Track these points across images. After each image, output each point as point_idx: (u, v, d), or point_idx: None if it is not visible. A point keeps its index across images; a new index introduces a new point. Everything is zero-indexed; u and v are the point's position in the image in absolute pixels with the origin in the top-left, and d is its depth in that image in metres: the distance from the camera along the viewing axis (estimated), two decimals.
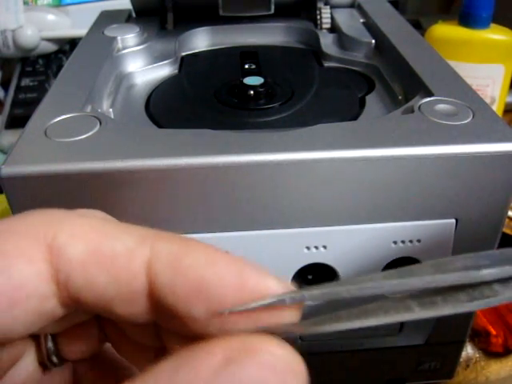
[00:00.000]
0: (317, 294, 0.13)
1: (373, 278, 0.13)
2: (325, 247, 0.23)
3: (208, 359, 0.12)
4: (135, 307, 0.14)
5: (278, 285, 0.13)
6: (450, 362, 0.30)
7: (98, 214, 0.16)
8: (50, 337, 0.17)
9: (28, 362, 0.17)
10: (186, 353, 0.12)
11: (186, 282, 0.13)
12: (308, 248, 0.23)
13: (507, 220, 0.39)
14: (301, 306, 0.14)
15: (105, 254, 0.13)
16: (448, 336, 0.28)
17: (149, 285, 0.13)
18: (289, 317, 0.13)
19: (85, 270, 0.13)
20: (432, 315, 0.13)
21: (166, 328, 0.14)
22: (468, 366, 0.33)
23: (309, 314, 0.14)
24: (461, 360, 0.31)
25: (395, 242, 0.23)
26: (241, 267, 0.13)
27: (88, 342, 0.18)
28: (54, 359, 0.17)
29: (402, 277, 0.13)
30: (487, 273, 0.13)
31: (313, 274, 0.24)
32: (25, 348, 0.17)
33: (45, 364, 0.17)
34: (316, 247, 0.23)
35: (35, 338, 0.17)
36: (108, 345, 0.18)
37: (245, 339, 0.12)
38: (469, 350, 0.33)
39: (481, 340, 0.33)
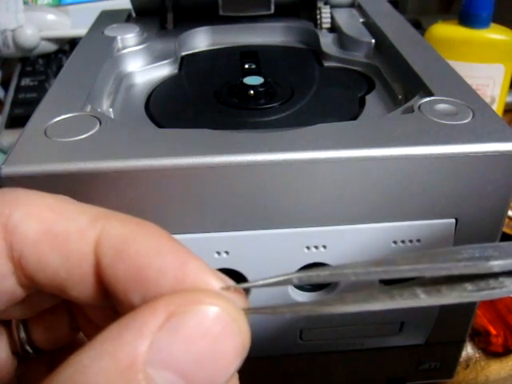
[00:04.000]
0: (324, 275, 0.14)
1: (380, 263, 0.13)
2: (325, 247, 0.23)
3: (151, 316, 0.12)
4: (86, 288, 0.14)
5: (217, 282, 0.13)
6: (450, 361, 0.30)
7: (59, 195, 0.16)
8: (21, 326, 0.17)
9: (0, 351, 0.17)
10: (129, 315, 0.12)
11: (127, 268, 0.13)
12: (308, 248, 0.23)
13: (507, 220, 0.39)
14: (243, 294, 0.14)
15: (57, 233, 0.13)
16: (448, 336, 0.28)
17: (96, 266, 0.13)
18: (237, 301, 0.13)
19: (37, 249, 0.13)
20: (437, 302, 0.13)
21: (121, 312, 0.15)
22: (468, 365, 0.33)
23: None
24: (461, 360, 0.31)
25: (395, 242, 0.23)
26: (184, 261, 0.13)
27: (60, 331, 0.18)
28: (28, 349, 0.17)
29: (409, 263, 0.13)
30: (495, 264, 0.13)
31: None
32: None
33: (19, 354, 0.17)
34: (316, 247, 0.23)
35: (6, 327, 0.17)
36: (82, 334, 0.18)
37: (186, 294, 0.12)
38: (469, 350, 0.33)
39: (481, 340, 0.33)
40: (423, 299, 0.13)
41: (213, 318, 0.12)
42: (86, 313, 0.17)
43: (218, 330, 0.12)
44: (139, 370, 0.11)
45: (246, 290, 0.24)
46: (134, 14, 0.38)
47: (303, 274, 0.14)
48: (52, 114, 0.23)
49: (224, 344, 0.12)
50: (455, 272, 0.13)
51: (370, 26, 0.34)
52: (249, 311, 0.13)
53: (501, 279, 0.13)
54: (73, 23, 0.57)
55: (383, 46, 0.32)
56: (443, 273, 0.13)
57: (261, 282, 0.13)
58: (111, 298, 0.14)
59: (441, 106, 0.23)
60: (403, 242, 0.23)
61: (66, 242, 0.13)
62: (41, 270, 0.13)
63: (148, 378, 0.11)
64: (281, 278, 0.13)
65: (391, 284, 0.13)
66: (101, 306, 0.15)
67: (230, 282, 0.14)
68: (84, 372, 0.11)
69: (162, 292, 0.13)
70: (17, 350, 0.17)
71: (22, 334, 0.17)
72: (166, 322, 0.12)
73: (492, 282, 0.13)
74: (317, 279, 0.14)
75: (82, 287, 0.14)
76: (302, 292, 0.25)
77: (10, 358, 0.17)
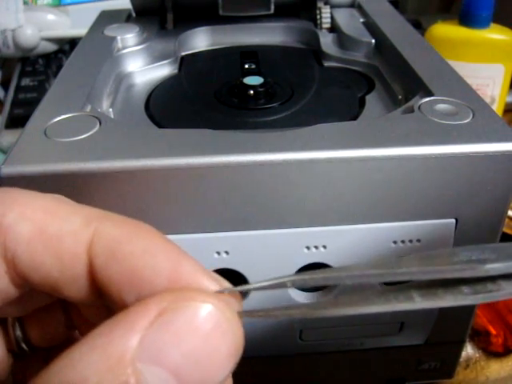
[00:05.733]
0: (318, 278, 0.14)
1: (375, 265, 0.13)
2: (325, 247, 0.23)
3: (143, 313, 0.12)
4: (80, 288, 0.14)
5: (211, 283, 0.13)
6: (450, 361, 0.30)
7: (55, 195, 0.16)
8: (17, 324, 0.17)
9: None
10: (122, 312, 0.12)
11: (121, 268, 0.13)
12: (308, 248, 0.23)
13: (507, 220, 0.39)
14: (240, 298, 0.14)
15: (51, 234, 0.13)
16: (448, 336, 0.28)
17: (89, 266, 0.13)
18: (232, 303, 0.13)
19: (31, 249, 0.13)
20: (432, 306, 0.13)
21: (115, 311, 0.15)
22: (468, 365, 0.33)
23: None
24: (461, 360, 0.31)
25: (395, 242, 0.23)
26: (178, 261, 0.13)
27: (55, 329, 0.18)
28: (24, 347, 0.17)
29: (404, 266, 0.13)
30: (492, 267, 0.13)
31: None
32: None
33: (15, 352, 0.17)
34: (316, 247, 0.23)
35: (2, 325, 0.17)
36: (77, 333, 0.18)
37: (178, 292, 0.12)
38: (469, 350, 0.33)
39: (481, 340, 0.33)
40: (418, 302, 0.13)
41: (204, 315, 0.12)
42: (81, 311, 0.17)
43: (209, 327, 0.12)
44: (128, 365, 0.11)
45: (244, 292, 0.24)
46: (134, 14, 0.38)
47: (297, 278, 0.14)
48: (52, 114, 0.23)
49: (216, 342, 0.12)
50: (450, 276, 0.13)
51: (370, 26, 0.34)
52: (242, 314, 0.13)
53: (499, 282, 0.13)
54: (73, 23, 0.57)
55: (383, 46, 0.32)
56: (437, 276, 0.13)
57: (254, 286, 0.13)
58: (105, 297, 0.14)
59: (441, 106, 0.23)
60: (403, 242, 0.23)
61: (60, 242, 0.13)
62: (34, 269, 0.13)
63: (137, 372, 0.11)
64: (275, 282, 0.13)
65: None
66: (96, 305, 0.15)
67: (225, 283, 0.14)
68: (73, 365, 0.11)
69: (155, 292, 0.13)
70: (12, 348, 0.17)
71: (18, 332, 0.17)
72: (157, 318, 0.12)
73: (489, 285, 0.13)
74: (311, 283, 0.14)
75: (75, 287, 0.14)
76: (301, 292, 0.25)
77: (6, 355, 0.17)
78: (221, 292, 0.13)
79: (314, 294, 0.25)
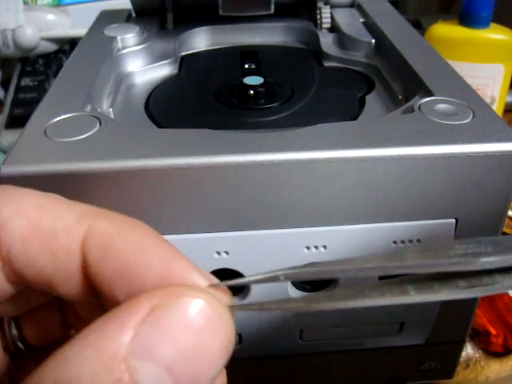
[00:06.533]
0: (311, 271, 0.14)
1: (370, 259, 0.13)
2: (325, 247, 0.23)
3: (135, 309, 0.12)
4: (74, 285, 0.14)
5: (201, 279, 0.13)
6: (450, 361, 0.30)
7: (50, 194, 0.16)
8: (13, 323, 0.17)
9: None
10: (114, 309, 0.12)
11: (113, 265, 0.13)
12: (308, 248, 0.23)
13: (507, 220, 0.39)
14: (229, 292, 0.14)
15: (45, 230, 0.13)
16: (448, 336, 0.28)
17: (82, 262, 0.13)
18: (222, 299, 0.13)
19: (25, 246, 0.13)
20: (427, 299, 0.13)
21: (107, 309, 0.15)
22: (468, 365, 0.33)
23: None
24: (461, 360, 0.31)
25: (395, 242, 0.23)
26: (170, 258, 0.13)
27: (51, 327, 0.18)
28: (20, 345, 0.17)
29: (399, 259, 0.13)
30: (487, 261, 0.13)
31: None
32: None
33: (11, 351, 0.17)
34: (316, 247, 0.23)
35: None
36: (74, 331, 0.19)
37: (169, 288, 0.12)
38: (469, 350, 0.33)
39: (481, 340, 0.33)
40: (413, 296, 0.13)
41: (196, 310, 0.12)
42: (77, 310, 0.17)
43: (201, 322, 0.12)
44: (121, 361, 0.11)
45: (246, 290, 0.24)
46: (134, 14, 0.38)
47: (290, 271, 0.14)
48: (52, 114, 0.23)
49: (209, 338, 0.12)
50: (445, 269, 0.13)
51: (370, 26, 0.34)
52: (236, 308, 0.13)
53: (494, 275, 0.13)
54: (73, 23, 0.57)
55: (383, 46, 0.32)
56: (432, 270, 0.13)
57: (246, 279, 0.13)
58: (98, 294, 0.14)
59: (441, 106, 0.23)
60: (403, 242, 0.23)
61: (54, 238, 0.13)
62: (28, 266, 0.14)
63: (131, 368, 0.11)
64: (268, 275, 0.13)
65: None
66: (90, 303, 0.15)
67: (215, 281, 0.14)
68: (66, 363, 0.11)
69: (146, 289, 0.13)
70: (8, 347, 0.17)
71: (14, 331, 0.17)
72: (149, 315, 0.12)
73: (485, 279, 0.13)
74: (305, 276, 0.14)
75: (69, 284, 0.14)
76: (301, 292, 0.25)
77: (2, 354, 0.17)
78: (213, 287, 0.13)
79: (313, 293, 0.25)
